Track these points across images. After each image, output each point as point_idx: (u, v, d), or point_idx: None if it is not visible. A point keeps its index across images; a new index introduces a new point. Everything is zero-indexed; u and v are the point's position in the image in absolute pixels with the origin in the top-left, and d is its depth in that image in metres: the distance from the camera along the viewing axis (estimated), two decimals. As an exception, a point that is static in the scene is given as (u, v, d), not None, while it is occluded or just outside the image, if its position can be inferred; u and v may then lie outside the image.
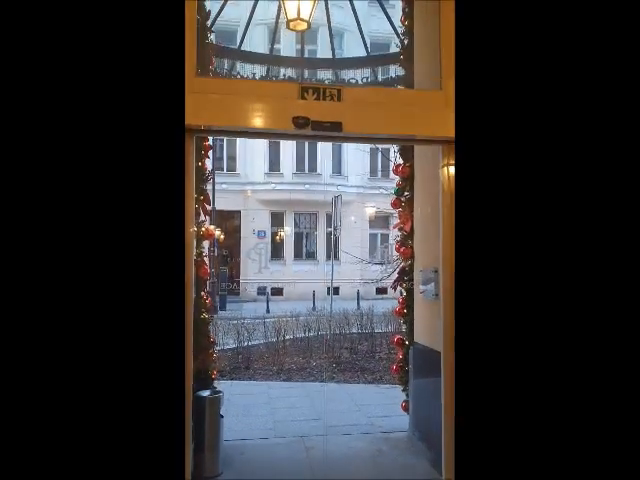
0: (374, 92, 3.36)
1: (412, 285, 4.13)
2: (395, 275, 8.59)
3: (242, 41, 7.18)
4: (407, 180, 4.19)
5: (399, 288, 4.37)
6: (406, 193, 4.26)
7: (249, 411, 5.10)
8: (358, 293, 16.25)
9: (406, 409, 4.36)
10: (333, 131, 2.98)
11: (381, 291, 18.25)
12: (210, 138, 3.98)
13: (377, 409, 5.15)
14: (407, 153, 4.20)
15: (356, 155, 18.93)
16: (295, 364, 7.57)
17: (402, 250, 4.16)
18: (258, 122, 2.97)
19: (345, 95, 3.07)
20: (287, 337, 8.87)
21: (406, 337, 4.31)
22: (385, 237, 19.71)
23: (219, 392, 3.66)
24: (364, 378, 6.82)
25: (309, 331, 9.13)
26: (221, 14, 5.75)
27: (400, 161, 4.31)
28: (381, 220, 19.76)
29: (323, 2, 7.62)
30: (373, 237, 19.57)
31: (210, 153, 4.18)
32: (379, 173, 19.85)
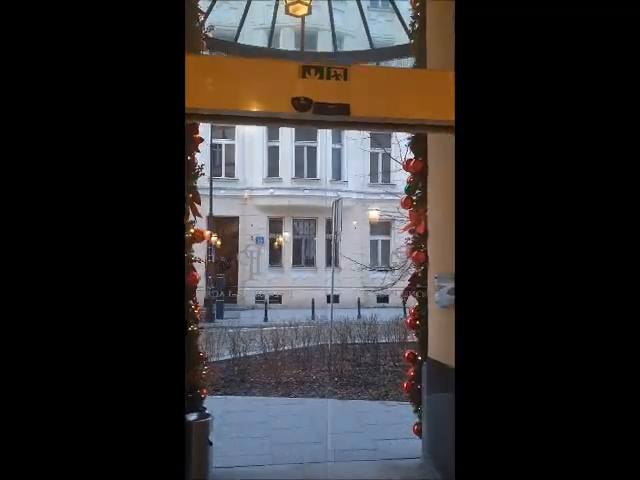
0: (384, 72, 2.93)
1: (425, 294, 3.69)
2: (402, 282, 8.19)
3: (238, 36, 6.80)
4: (419, 176, 3.77)
5: (409, 297, 3.93)
6: (418, 191, 3.83)
7: (243, 432, 4.64)
8: (359, 301, 15.78)
9: (418, 432, 3.91)
10: (339, 115, 2.55)
11: (382, 299, 17.86)
12: (200, 130, 3.55)
13: (385, 430, 4.69)
14: (419, 146, 3.78)
15: (356, 159, 18.58)
16: (294, 377, 7.11)
17: (415, 255, 3.72)
18: (250, 104, 2.55)
19: (352, 74, 2.65)
20: (286, 347, 8.41)
21: (418, 351, 3.86)
22: (386, 243, 19.31)
23: (208, 415, 3.21)
24: (368, 394, 6.35)
25: (309, 341, 8.67)
26: (220, 19, 5.36)
27: (411, 155, 3.89)
28: (382, 226, 19.37)
29: (325, 4, 7.27)
30: (374, 243, 19.14)
31: (201, 147, 3.76)
32: (379, 178, 19.50)
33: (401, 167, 10.44)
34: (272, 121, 2.72)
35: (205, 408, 3.43)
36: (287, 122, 2.68)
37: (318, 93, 2.55)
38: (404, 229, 4.02)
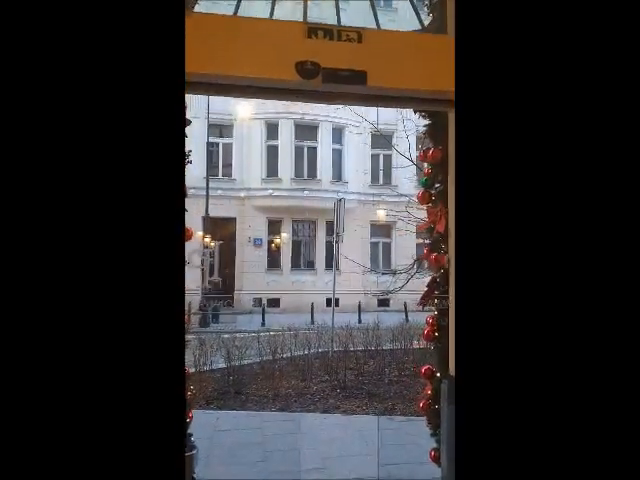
0: (404, 37, 2.44)
1: (447, 302, 3.21)
2: (408, 286, 7.68)
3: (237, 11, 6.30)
4: (439, 167, 3.29)
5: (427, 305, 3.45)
6: (437, 185, 3.35)
7: (236, 456, 4.15)
8: (359, 305, 15.29)
9: (436, 459, 3.43)
10: (354, 84, 2.08)
11: (383, 303, 17.38)
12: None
13: (394, 452, 4.20)
14: (438, 133, 3.30)
15: (357, 160, 18.13)
16: (293, 389, 6.61)
17: (434, 257, 3.24)
18: (246, 69, 2.07)
19: (368, 38, 2.18)
20: (284, 355, 7.91)
21: (437, 367, 3.38)
22: (387, 246, 18.83)
23: (193, 448, 2.71)
24: (373, 407, 5.86)
25: (309, 348, 8.17)
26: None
27: (429, 144, 3.41)
28: (384, 228, 18.93)
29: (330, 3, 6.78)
30: (374, 246, 18.67)
31: (197, 145, 3.27)
32: (381, 179, 19.07)
33: (404, 165, 10.02)
34: (272, 92, 2.23)
35: (191, 435, 2.94)
36: (290, 93, 2.20)
37: (327, 57, 2.08)
38: (421, 228, 3.54)
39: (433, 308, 3.44)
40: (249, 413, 5.62)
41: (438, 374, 3.36)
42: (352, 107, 15.57)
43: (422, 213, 8.02)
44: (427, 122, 3.47)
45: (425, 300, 3.43)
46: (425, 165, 3.48)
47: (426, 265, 9.17)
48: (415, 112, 3.53)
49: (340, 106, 18.29)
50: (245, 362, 7.49)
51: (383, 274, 10.81)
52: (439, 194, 3.32)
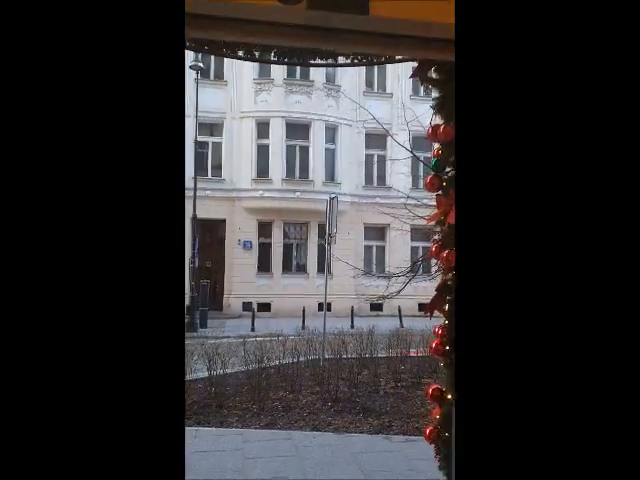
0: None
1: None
2: (404, 291, 7.12)
3: None
4: (451, 148, 2.76)
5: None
6: (449, 169, 2.82)
7: (212, 486, 3.58)
8: (352, 310, 14.75)
9: (445, 496, 2.88)
10: (352, 12, 1.53)
11: (376, 307, 16.86)
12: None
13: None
14: (449, 107, 2.77)
15: (351, 160, 17.64)
16: (280, 401, 6.04)
17: (445, 254, 2.69)
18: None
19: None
20: (272, 364, 7.33)
21: (447, 387, 2.83)
22: (381, 249, 18.31)
23: None
24: (368, 424, 5.30)
25: (298, 356, 7.60)
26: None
27: (439, 120, 2.88)
28: (378, 231, 18.45)
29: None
30: (368, 249, 18.14)
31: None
32: (375, 181, 18.60)
33: (401, 158, 9.47)
34: (256, 25, 1.66)
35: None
36: (270, 28, 1.64)
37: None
38: (430, 219, 2.98)
39: (442, 316, 2.90)
40: (231, 431, 5.04)
41: (449, 396, 2.81)
42: (345, 106, 15.09)
43: (420, 211, 7.52)
44: (436, 96, 2.94)
45: (433, 308, 2.88)
46: (434, 146, 2.94)
47: (421, 270, 8.66)
48: (422, 83, 3.01)
49: (333, 104, 17.86)
50: (229, 371, 6.93)
51: (379, 277, 10.24)
52: (451, 180, 2.79)
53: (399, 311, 14.38)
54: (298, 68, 16.82)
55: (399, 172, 12.95)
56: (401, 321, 14.21)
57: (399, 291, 6.22)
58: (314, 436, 4.82)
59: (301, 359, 7.60)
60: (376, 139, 18.67)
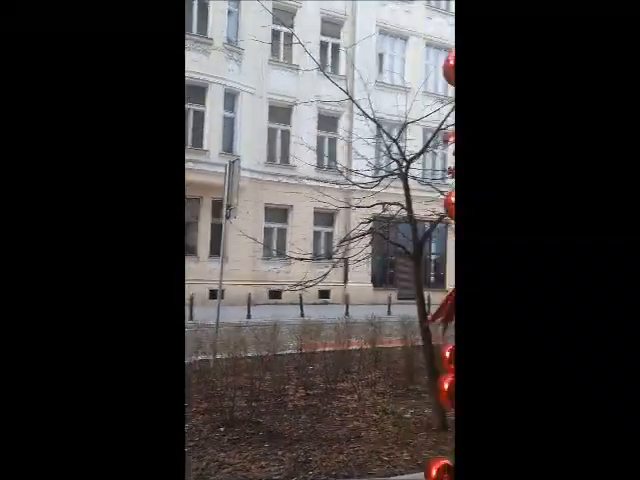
0: None
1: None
2: (307, 276, 5.69)
3: None
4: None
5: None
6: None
7: None
8: (249, 298, 13.25)
9: None
10: None
11: (274, 295, 15.54)
12: None
13: None
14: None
15: (251, 132, 15.98)
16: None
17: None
18: None
19: None
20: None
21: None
22: (282, 232, 16.94)
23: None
24: (277, 460, 3.85)
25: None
26: None
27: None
28: (279, 212, 17.07)
29: None
30: (268, 231, 16.67)
31: None
32: (278, 157, 17.16)
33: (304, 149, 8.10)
34: None
35: None
36: None
37: None
38: (450, 172, 1.67)
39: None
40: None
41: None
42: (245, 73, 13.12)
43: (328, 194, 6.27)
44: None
45: (441, 315, 1.55)
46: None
47: (343, 253, 7.37)
48: None
49: (235, 68, 15.99)
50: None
51: (281, 261, 8.79)
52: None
53: (300, 299, 13.16)
54: (194, 20, 14.74)
55: (305, 150, 11.57)
56: (302, 309, 13.03)
57: (323, 277, 4.84)
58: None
59: (186, 360, 5.93)
60: (280, 112, 17.18)
